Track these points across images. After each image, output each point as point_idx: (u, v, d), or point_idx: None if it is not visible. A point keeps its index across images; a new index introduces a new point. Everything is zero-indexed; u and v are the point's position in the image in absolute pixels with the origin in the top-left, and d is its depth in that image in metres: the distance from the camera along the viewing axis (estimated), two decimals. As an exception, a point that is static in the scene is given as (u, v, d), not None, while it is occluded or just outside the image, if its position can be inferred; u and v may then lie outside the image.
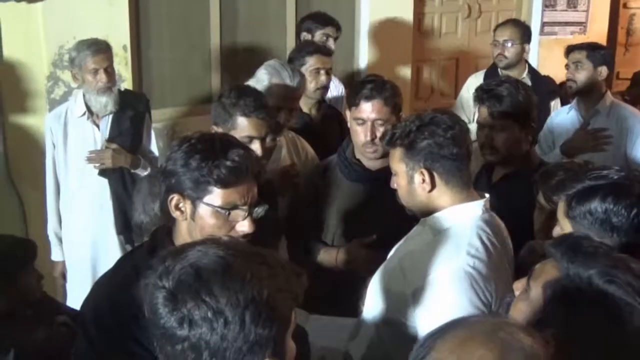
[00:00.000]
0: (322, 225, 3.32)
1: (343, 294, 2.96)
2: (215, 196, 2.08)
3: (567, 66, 4.51)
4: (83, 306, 2.22)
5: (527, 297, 1.75)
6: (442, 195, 2.47)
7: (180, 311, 1.41)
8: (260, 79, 3.59)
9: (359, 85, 3.27)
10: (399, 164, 2.50)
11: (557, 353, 1.60)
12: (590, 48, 4.51)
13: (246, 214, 2.11)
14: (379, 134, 3.14)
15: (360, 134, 3.17)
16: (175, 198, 2.10)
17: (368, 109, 3.14)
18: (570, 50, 4.55)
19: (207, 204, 2.08)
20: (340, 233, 3.29)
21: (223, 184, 2.06)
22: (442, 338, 1.34)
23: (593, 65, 4.41)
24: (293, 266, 1.57)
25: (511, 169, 3.30)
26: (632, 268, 1.64)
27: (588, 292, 1.60)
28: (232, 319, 1.40)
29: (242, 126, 3.04)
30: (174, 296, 1.43)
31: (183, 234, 2.13)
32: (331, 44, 4.96)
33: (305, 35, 5.00)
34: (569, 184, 2.36)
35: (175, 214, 2.12)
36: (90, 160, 4.12)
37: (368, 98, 3.15)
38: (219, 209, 2.08)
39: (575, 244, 1.70)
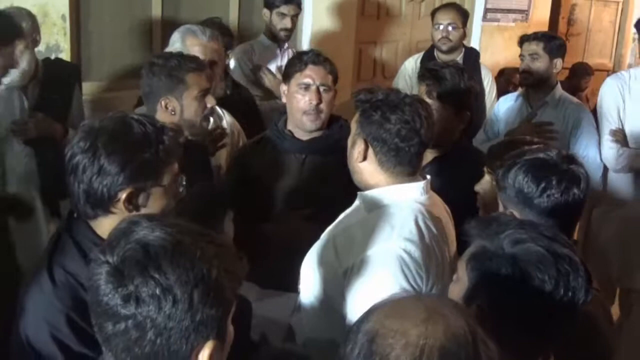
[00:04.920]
0: (258, 199, 3.25)
1: (292, 267, 2.93)
2: (169, 172, 2.08)
3: (521, 57, 4.44)
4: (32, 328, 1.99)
5: (457, 277, 1.80)
6: (375, 173, 2.45)
7: (127, 288, 1.36)
8: (174, 44, 3.63)
9: (300, 55, 3.31)
10: (353, 124, 2.51)
11: (485, 322, 1.65)
12: (547, 39, 4.43)
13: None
14: (324, 101, 3.17)
15: (304, 101, 3.18)
16: (127, 192, 2.01)
17: (314, 74, 3.18)
18: (524, 40, 4.48)
19: (160, 185, 2.07)
20: (277, 205, 3.24)
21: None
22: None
23: (549, 58, 4.36)
24: (236, 249, 1.55)
25: (440, 153, 3.27)
26: (539, 228, 1.73)
27: (500, 259, 1.68)
28: (180, 297, 1.36)
29: (196, 83, 3.04)
30: (120, 272, 1.37)
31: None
32: (287, 22, 4.97)
33: (265, 12, 5.02)
34: (506, 157, 2.44)
35: (128, 208, 2.02)
36: (13, 131, 3.95)
37: (315, 63, 3.19)
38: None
39: (489, 220, 1.79)
